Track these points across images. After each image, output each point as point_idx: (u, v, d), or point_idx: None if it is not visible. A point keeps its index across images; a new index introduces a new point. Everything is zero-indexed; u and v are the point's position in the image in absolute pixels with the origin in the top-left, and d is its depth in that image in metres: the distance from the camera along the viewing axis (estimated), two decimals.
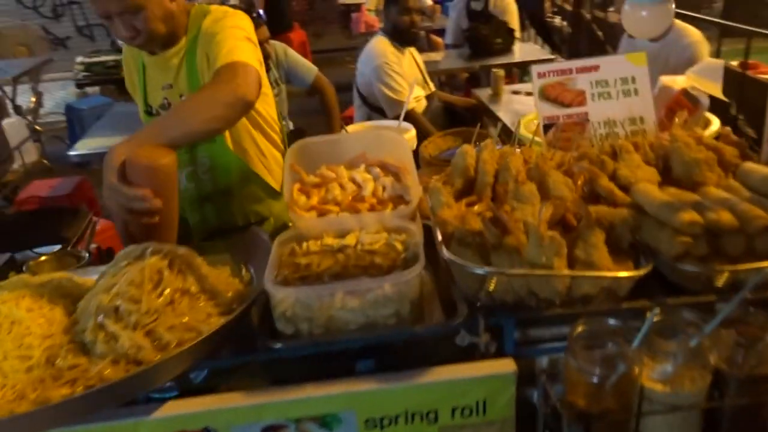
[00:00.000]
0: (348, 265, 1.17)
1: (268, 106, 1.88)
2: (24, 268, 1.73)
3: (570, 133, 1.52)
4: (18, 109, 6.04)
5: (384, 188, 1.41)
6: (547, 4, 7.14)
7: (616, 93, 1.55)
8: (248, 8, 8.49)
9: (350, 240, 1.24)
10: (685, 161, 1.25)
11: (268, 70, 3.71)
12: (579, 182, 1.28)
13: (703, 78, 1.77)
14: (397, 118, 2.16)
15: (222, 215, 1.85)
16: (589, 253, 1.10)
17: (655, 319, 1.01)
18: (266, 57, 3.67)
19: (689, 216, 1.09)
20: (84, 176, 4.25)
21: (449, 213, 1.23)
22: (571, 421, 1.04)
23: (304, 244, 1.25)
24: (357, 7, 7.39)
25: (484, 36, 5.33)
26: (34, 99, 6.55)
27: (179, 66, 1.76)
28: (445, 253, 1.12)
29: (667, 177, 1.28)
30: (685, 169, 1.25)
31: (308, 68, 3.93)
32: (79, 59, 7.83)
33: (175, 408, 1.03)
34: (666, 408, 1.04)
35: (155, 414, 1.01)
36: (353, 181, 1.44)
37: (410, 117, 3.81)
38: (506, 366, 1.06)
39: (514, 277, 1.08)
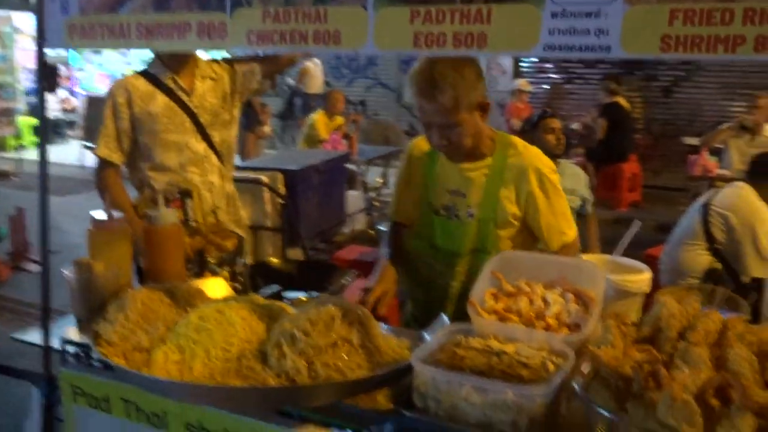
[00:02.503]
0: (495, 369, 1.27)
1: None
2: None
3: None
4: (365, 186, 7.19)
5: (569, 313, 1.46)
6: None
7: None
8: (588, 134, 8.76)
9: (510, 348, 1.33)
10: None
11: None
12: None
13: None
14: None
15: None
16: None
17: None
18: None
19: None
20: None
21: (609, 352, 1.24)
22: None
23: (471, 339, 1.38)
24: (696, 149, 7.05)
25: None
26: (381, 180, 7.71)
27: (477, 182, 1.98)
28: (577, 386, 1.14)
29: None
30: None
31: (588, 201, 4.01)
32: None
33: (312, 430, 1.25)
34: None
35: (296, 428, 1.25)
36: (544, 299, 1.52)
37: None
38: None
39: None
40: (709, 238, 3.68)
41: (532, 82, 10.26)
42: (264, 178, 5.15)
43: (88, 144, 8.88)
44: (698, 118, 9.25)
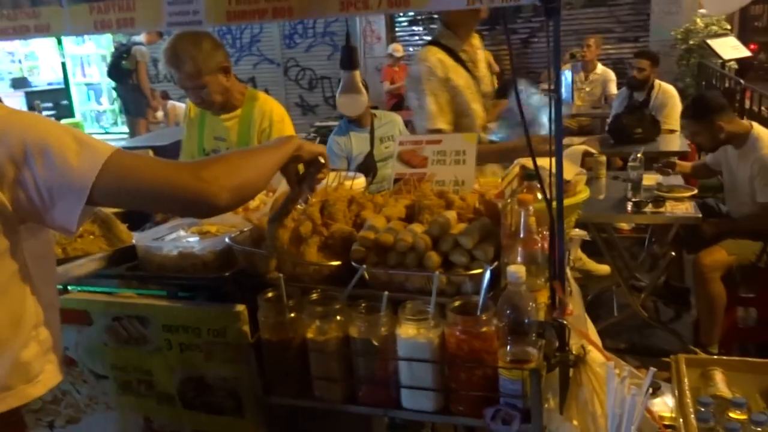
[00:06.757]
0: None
1: None
2: None
3: (409, 187, 2.06)
4: None
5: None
6: None
7: (450, 161, 2.06)
8: None
9: (213, 228, 1.98)
10: (419, 206, 1.76)
11: None
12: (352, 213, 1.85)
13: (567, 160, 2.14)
14: None
15: None
16: (304, 248, 1.69)
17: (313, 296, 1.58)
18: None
19: (365, 233, 1.63)
20: None
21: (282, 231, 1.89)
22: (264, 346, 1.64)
23: (194, 227, 2.02)
24: None
25: (622, 124, 5.53)
26: None
27: (233, 128, 2.64)
28: (227, 238, 1.80)
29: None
30: (417, 211, 1.76)
31: None
32: (316, 123, 9.61)
33: (74, 295, 1.87)
34: (317, 349, 1.57)
35: (66, 295, 1.86)
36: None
37: None
38: (237, 308, 1.69)
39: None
40: None
41: (407, 45, 10.95)
42: None
43: None
44: None
